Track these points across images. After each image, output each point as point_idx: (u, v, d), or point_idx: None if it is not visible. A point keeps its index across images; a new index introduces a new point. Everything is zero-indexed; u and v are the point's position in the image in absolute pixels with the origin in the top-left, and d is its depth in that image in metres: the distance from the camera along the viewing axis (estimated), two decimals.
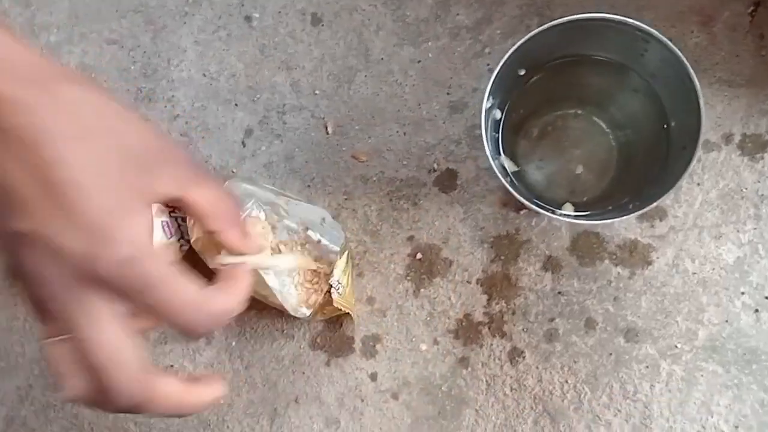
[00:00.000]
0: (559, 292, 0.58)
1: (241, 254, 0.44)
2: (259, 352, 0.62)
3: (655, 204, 0.45)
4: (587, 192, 0.56)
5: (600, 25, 0.47)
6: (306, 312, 0.57)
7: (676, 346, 0.57)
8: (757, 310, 0.56)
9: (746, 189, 0.57)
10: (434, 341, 0.60)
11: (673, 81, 0.48)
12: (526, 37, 0.46)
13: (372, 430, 0.60)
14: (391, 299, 0.60)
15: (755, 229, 0.57)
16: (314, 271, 0.58)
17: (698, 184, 0.58)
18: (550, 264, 0.59)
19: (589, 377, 0.57)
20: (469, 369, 0.59)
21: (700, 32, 0.58)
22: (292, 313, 0.57)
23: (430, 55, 0.61)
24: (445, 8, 0.61)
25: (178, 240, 0.60)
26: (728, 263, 0.57)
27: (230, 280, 0.41)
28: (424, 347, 0.60)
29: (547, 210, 0.49)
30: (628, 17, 0.47)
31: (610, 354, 0.57)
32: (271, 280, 0.56)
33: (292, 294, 0.57)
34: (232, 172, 0.63)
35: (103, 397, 0.35)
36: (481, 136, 0.60)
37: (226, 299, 0.39)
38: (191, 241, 0.58)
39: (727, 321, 0.57)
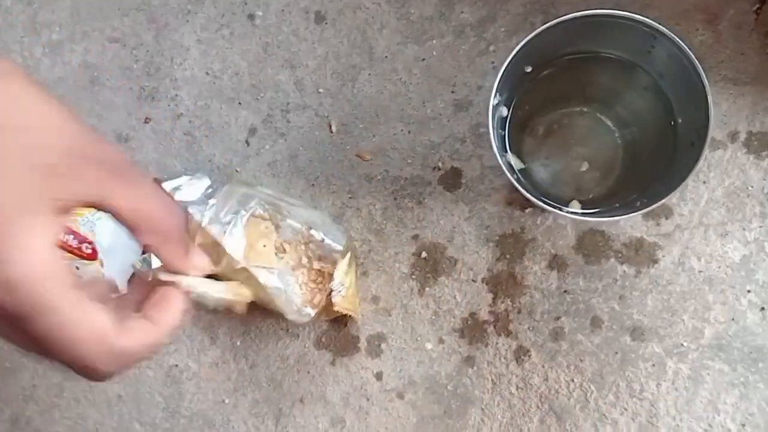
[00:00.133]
0: (565, 291, 0.58)
1: (178, 273, 0.38)
2: (264, 351, 0.61)
3: (663, 201, 0.45)
4: (593, 190, 0.56)
5: (607, 22, 0.47)
6: (310, 312, 0.57)
7: (682, 345, 0.57)
8: (763, 308, 0.56)
9: (752, 187, 0.57)
10: (440, 340, 0.59)
11: (680, 77, 0.47)
12: (534, 33, 0.46)
13: (377, 429, 0.59)
14: (396, 298, 0.60)
15: (761, 227, 0.57)
16: (318, 270, 0.58)
17: (704, 182, 0.57)
18: (556, 262, 0.59)
19: (596, 376, 0.57)
20: (475, 368, 0.59)
21: (705, 30, 0.58)
22: (294, 318, 0.56)
23: (434, 53, 0.61)
24: (450, 6, 0.61)
25: None
26: (734, 261, 0.57)
27: (159, 305, 0.36)
28: (429, 346, 0.60)
29: (555, 207, 0.49)
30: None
31: (616, 352, 0.57)
32: (274, 280, 0.56)
33: (297, 293, 0.57)
34: (236, 171, 0.63)
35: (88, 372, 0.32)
36: (485, 134, 0.60)
37: (146, 333, 0.34)
38: None
39: (733, 319, 0.56)
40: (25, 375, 0.64)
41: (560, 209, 0.49)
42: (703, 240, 0.57)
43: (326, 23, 0.63)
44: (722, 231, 0.57)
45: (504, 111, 0.53)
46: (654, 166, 0.53)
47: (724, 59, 0.58)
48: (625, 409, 0.57)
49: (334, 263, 0.57)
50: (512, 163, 0.54)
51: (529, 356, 0.58)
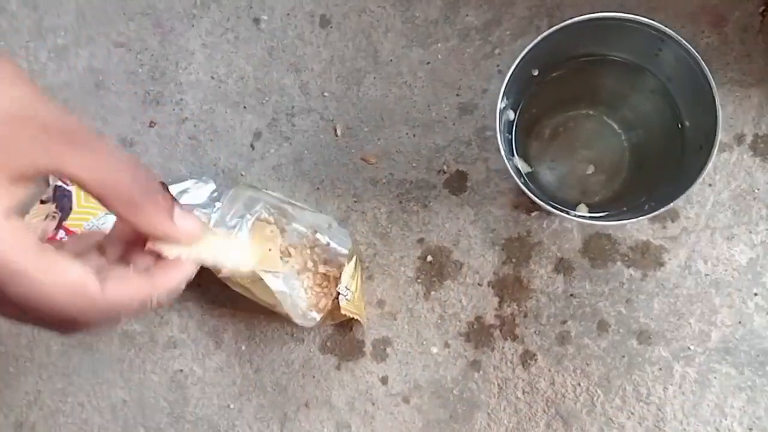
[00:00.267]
0: (571, 295, 0.58)
1: (172, 243, 0.35)
2: (269, 356, 0.61)
3: (673, 204, 0.44)
4: (599, 192, 0.56)
5: (615, 25, 0.47)
6: (316, 317, 0.57)
7: (689, 348, 0.57)
8: None
9: (758, 190, 0.57)
10: (445, 344, 0.59)
11: (687, 81, 0.47)
12: (541, 36, 0.46)
13: None
14: (402, 302, 0.60)
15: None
16: (324, 274, 0.58)
17: (710, 185, 0.57)
18: (562, 266, 0.58)
19: (602, 380, 0.57)
20: (481, 372, 0.59)
21: (711, 32, 0.58)
22: (300, 322, 0.56)
23: (439, 56, 0.61)
24: (455, 9, 0.61)
25: None
26: (741, 264, 0.57)
27: (165, 265, 0.34)
28: (435, 350, 0.59)
29: (563, 211, 0.49)
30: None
31: (623, 356, 0.57)
32: (279, 284, 0.56)
33: (302, 297, 0.57)
34: (241, 175, 0.63)
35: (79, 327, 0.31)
36: (491, 137, 0.60)
37: (136, 286, 0.32)
38: None
39: (740, 322, 0.56)
40: (30, 380, 0.64)
41: (568, 213, 0.49)
42: (709, 243, 0.57)
43: (331, 27, 0.63)
44: (729, 234, 0.57)
45: (511, 115, 0.53)
46: (661, 169, 0.53)
47: (730, 61, 0.58)
48: (632, 413, 0.57)
49: (340, 267, 0.57)
50: (519, 166, 0.54)
51: (536, 360, 0.58)
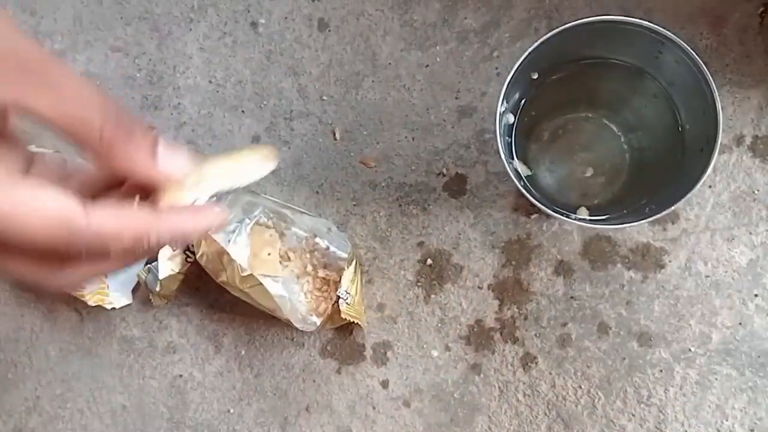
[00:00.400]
0: (572, 297, 0.58)
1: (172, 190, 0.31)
2: (269, 360, 0.61)
3: (674, 206, 0.44)
4: (599, 195, 0.56)
5: (615, 28, 0.47)
6: (316, 321, 0.56)
7: (689, 350, 0.57)
8: None
9: (758, 191, 0.57)
10: (446, 347, 0.59)
11: (688, 84, 0.47)
12: (541, 39, 0.46)
13: None
14: (402, 306, 0.60)
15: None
16: (323, 278, 0.58)
17: (710, 187, 0.57)
18: (562, 268, 0.58)
19: (603, 382, 0.57)
20: (482, 375, 0.58)
21: (710, 34, 0.58)
22: (299, 326, 0.56)
23: (437, 59, 0.61)
24: (453, 12, 0.61)
25: (184, 252, 0.59)
26: (741, 266, 0.57)
27: (185, 210, 0.31)
28: (435, 354, 0.59)
29: (563, 215, 0.49)
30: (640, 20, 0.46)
31: (624, 358, 0.57)
32: (279, 289, 0.56)
33: (302, 302, 0.57)
34: None
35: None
36: (490, 140, 0.60)
37: (132, 218, 0.28)
38: (196, 255, 0.57)
39: (740, 324, 0.56)
40: (29, 386, 0.64)
41: (568, 216, 0.49)
42: (709, 244, 0.57)
43: (329, 30, 0.62)
44: (729, 235, 0.57)
45: (510, 118, 0.53)
46: (661, 171, 0.52)
47: (730, 63, 0.58)
48: (633, 416, 0.57)
49: (339, 271, 0.57)
50: (519, 170, 0.54)
51: (536, 363, 0.58)
